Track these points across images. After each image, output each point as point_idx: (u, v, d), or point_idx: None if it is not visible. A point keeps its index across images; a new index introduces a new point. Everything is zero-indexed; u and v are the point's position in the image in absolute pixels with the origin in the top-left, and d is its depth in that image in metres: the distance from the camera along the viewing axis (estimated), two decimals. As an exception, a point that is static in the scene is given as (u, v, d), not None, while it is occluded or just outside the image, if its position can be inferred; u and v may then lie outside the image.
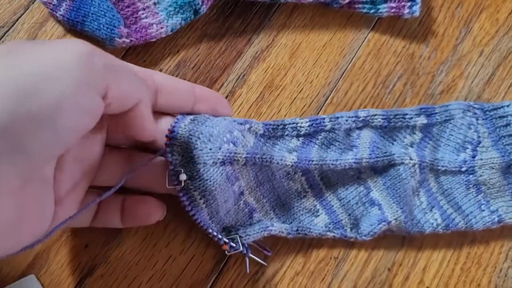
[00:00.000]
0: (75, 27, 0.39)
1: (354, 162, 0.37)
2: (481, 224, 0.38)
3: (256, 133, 0.37)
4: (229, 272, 0.37)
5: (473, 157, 0.39)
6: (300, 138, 0.38)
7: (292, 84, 0.41)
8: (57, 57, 0.22)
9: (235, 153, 0.33)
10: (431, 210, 0.38)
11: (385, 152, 0.37)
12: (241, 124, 0.36)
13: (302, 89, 0.41)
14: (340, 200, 0.38)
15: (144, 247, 0.36)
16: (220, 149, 0.33)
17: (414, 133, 0.40)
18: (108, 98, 0.25)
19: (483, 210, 0.39)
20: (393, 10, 0.41)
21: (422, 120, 0.39)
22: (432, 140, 0.40)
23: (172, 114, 0.34)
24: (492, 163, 0.39)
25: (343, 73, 0.42)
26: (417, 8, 0.41)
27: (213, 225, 0.34)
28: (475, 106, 0.40)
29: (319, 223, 0.38)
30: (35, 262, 0.35)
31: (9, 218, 0.23)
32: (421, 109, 0.39)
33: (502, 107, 0.40)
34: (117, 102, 0.26)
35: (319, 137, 0.38)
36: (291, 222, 0.37)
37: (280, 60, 0.42)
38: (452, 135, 0.40)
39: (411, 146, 0.39)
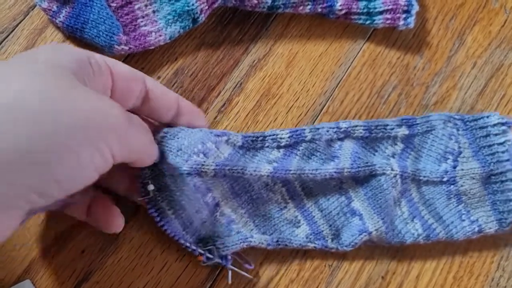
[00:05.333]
0: (74, 34, 0.39)
1: (335, 172, 0.37)
2: (461, 234, 0.38)
3: (234, 144, 0.37)
4: (224, 280, 0.37)
5: (454, 167, 0.39)
6: (281, 150, 0.38)
7: (288, 92, 0.42)
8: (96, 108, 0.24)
9: (203, 165, 0.34)
10: (412, 220, 0.39)
11: (367, 163, 0.38)
12: (218, 136, 0.36)
13: (298, 98, 0.42)
14: (321, 211, 0.38)
15: (140, 253, 0.36)
16: (186, 161, 0.33)
17: (396, 144, 0.40)
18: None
19: (464, 220, 0.39)
20: (388, 22, 0.42)
21: (403, 131, 0.40)
22: (414, 151, 0.40)
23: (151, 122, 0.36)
24: (473, 173, 0.39)
25: (339, 82, 0.43)
26: (411, 20, 0.42)
27: (188, 236, 0.34)
28: (456, 117, 0.40)
29: (300, 234, 0.38)
30: (31, 267, 0.35)
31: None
32: (402, 120, 0.40)
33: (482, 118, 0.40)
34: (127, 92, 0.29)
35: (300, 148, 0.38)
36: (272, 233, 0.37)
37: (277, 69, 0.42)
38: (433, 145, 0.40)
39: (393, 157, 0.40)
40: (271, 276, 0.38)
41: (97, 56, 0.29)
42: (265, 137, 0.38)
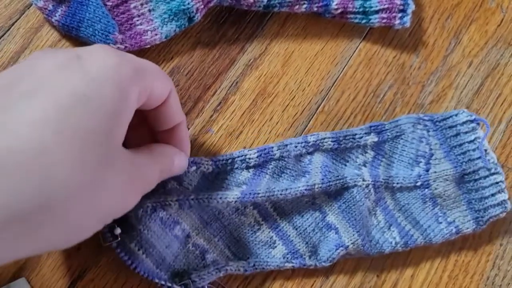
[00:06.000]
0: (70, 33, 0.39)
1: (306, 190, 0.36)
2: (439, 237, 0.38)
3: (204, 172, 0.37)
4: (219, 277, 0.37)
5: (427, 170, 0.39)
6: (250, 170, 0.38)
7: (284, 91, 0.42)
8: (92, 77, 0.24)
9: (164, 199, 0.34)
10: (389, 229, 0.38)
11: (337, 176, 0.37)
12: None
13: (294, 96, 0.42)
14: (296, 229, 0.38)
15: (135, 251, 0.37)
16: (149, 198, 0.33)
17: (366, 152, 0.39)
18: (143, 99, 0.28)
19: (441, 223, 0.39)
20: (384, 21, 0.42)
21: (372, 138, 0.39)
22: (385, 157, 0.40)
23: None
24: (446, 175, 0.39)
25: (335, 81, 0.43)
26: (407, 19, 0.42)
27: (162, 273, 0.34)
28: (425, 118, 0.40)
29: (276, 255, 0.37)
30: (26, 264, 0.35)
31: None
32: (370, 127, 0.39)
33: (450, 116, 0.40)
34: (154, 99, 0.29)
35: (270, 166, 0.38)
36: (248, 258, 0.37)
37: (273, 68, 0.42)
38: (404, 150, 0.40)
39: (365, 166, 0.39)
40: (266, 274, 0.38)
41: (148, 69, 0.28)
42: (233, 159, 0.37)
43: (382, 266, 0.39)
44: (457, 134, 0.40)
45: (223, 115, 0.41)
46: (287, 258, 0.37)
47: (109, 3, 0.38)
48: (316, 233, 0.38)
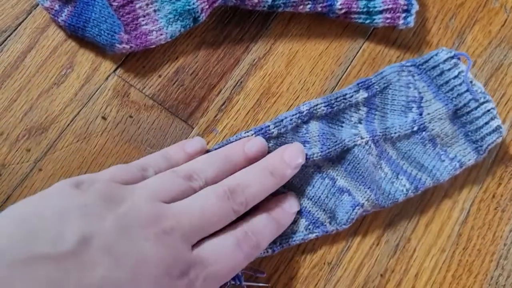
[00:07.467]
0: (76, 33, 0.39)
1: (307, 159, 0.37)
2: (446, 174, 0.39)
3: None
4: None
5: (420, 114, 0.40)
6: None
7: (288, 91, 0.42)
8: None
9: None
10: (397, 178, 0.39)
11: (336, 141, 0.38)
12: None
13: (298, 96, 0.42)
14: (311, 200, 0.38)
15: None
16: None
17: (359, 109, 0.40)
18: None
19: (444, 161, 0.39)
20: (388, 21, 0.42)
21: (362, 94, 0.40)
22: (378, 110, 0.40)
23: None
24: (439, 114, 0.39)
25: (339, 81, 0.43)
26: (411, 19, 0.42)
27: None
28: (408, 64, 0.41)
29: (299, 228, 0.38)
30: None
31: None
32: (358, 84, 0.40)
33: (431, 57, 0.41)
34: None
35: (270, 145, 0.37)
36: None
37: (277, 68, 0.42)
38: (394, 99, 0.40)
39: (360, 123, 0.40)
40: (270, 273, 0.38)
41: None
42: (231, 142, 0.37)
43: (386, 265, 0.39)
44: (442, 73, 0.40)
45: (227, 115, 0.41)
46: (309, 229, 0.38)
47: (115, 3, 0.39)
48: (330, 199, 0.38)
